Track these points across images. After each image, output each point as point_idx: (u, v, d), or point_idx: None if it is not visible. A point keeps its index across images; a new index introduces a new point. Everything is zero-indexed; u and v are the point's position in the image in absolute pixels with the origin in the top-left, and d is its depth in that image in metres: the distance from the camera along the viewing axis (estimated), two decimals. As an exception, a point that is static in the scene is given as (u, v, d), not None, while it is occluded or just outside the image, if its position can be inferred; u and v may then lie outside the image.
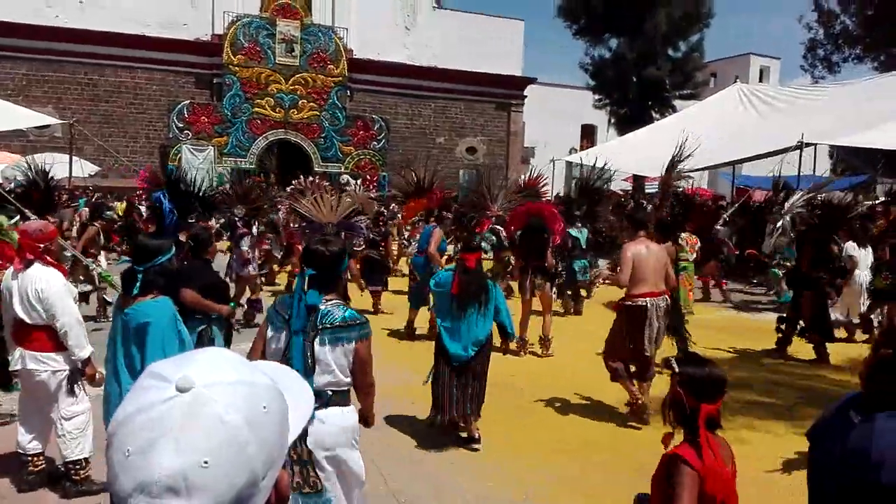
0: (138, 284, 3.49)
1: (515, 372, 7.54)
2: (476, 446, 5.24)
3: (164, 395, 0.82)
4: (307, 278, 2.95)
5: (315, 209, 8.66)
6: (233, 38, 25.71)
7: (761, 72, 43.11)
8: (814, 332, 8.47)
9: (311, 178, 15.71)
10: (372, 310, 10.47)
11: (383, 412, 6.04)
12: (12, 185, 12.95)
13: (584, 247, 10.92)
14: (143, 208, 16.69)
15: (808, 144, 13.24)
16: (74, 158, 16.78)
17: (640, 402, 5.92)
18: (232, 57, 25.74)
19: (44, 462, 4.47)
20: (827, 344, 8.44)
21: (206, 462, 0.78)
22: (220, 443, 0.80)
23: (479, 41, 29.62)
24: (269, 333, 3.05)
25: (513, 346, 7.77)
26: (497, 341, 8.32)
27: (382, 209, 14.60)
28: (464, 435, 5.35)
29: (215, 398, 0.82)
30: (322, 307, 2.94)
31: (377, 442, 5.39)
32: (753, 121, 16.50)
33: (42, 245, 4.38)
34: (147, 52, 25.09)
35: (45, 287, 4.20)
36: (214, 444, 0.79)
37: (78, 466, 4.31)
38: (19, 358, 4.36)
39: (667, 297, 5.97)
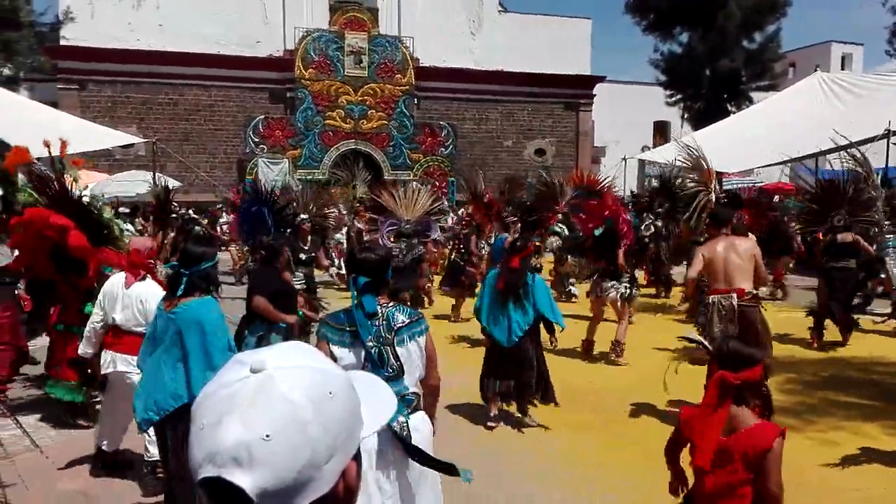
0: (182, 286, 3.68)
1: (593, 378, 7.45)
2: (523, 428, 5.79)
3: (239, 376, 0.89)
4: (361, 286, 2.95)
5: (397, 205, 8.82)
6: (304, 52, 26.37)
7: (843, 59, 41.23)
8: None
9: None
10: (450, 314, 10.53)
11: (456, 416, 6.07)
12: (100, 203, 13.61)
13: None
14: (223, 219, 17.32)
15: (895, 132, 12.60)
16: (158, 175, 17.52)
17: None
18: (303, 71, 26.40)
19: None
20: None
21: (268, 436, 0.83)
22: (283, 419, 0.85)
23: (545, 42, 29.44)
24: (336, 351, 2.92)
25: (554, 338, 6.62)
26: (565, 344, 8.23)
27: (466, 210, 14.55)
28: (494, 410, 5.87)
29: (283, 379, 0.88)
30: (387, 310, 2.97)
31: (451, 446, 5.41)
32: (836, 110, 15.76)
33: (151, 261, 4.89)
34: (223, 70, 25.99)
35: (150, 299, 4.55)
36: (277, 421, 0.84)
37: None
38: (110, 361, 4.71)
39: (735, 295, 5.63)
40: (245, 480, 0.82)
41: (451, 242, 11.31)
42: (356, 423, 0.95)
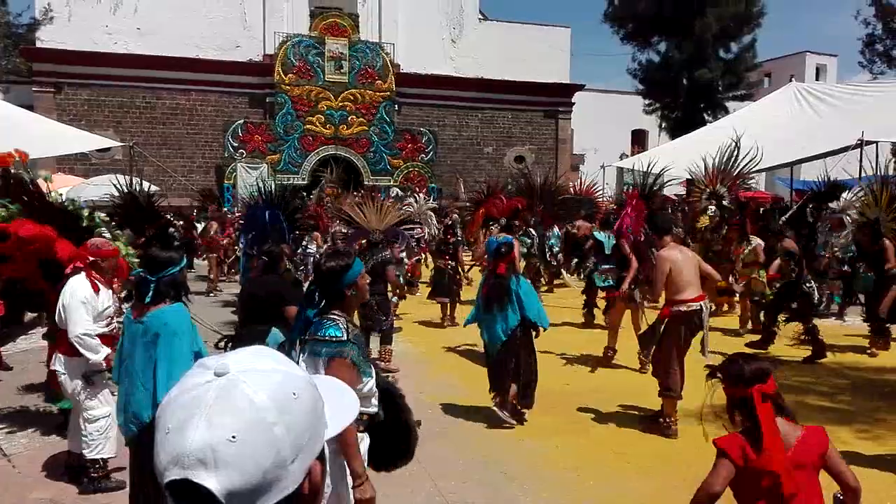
0: (150, 293, 3.60)
1: (571, 381, 7.47)
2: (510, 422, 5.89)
3: (203, 379, 0.90)
4: (310, 292, 2.94)
5: (361, 216, 8.79)
6: (283, 57, 26.28)
7: (818, 70, 41.89)
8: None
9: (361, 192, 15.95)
10: (439, 321, 10.52)
11: (436, 422, 6.06)
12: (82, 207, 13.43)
13: (607, 253, 9.49)
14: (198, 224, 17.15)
15: (868, 142, 12.82)
16: (129, 179, 17.35)
17: (674, 423, 5.82)
18: (283, 76, 26.30)
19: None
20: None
21: (233, 437, 0.84)
22: (248, 421, 0.86)
23: (525, 50, 29.61)
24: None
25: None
26: (559, 349, 8.25)
27: (454, 219, 14.55)
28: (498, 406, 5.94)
29: (247, 381, 0.89)
30: (321, 321, 2.89)
31: (432, 450, 5.41)
32: (810, 120, 16.03)
33: (92, 258, 4.73)
34: (202, 74, 25.83)
35: (69, 296, 4.55)
36: (242, 422, 0.85)
37: (97, 465, 4.56)
38: (54, 359, 4.77)
39: (707, 300, 5.92)
40: (211, 482, 0.82)
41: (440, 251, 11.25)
42: (320, 424, 0.97)
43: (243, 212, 11.35)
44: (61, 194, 6.12)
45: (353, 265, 2.99)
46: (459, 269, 11.18)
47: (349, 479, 2.74)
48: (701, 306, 5.75)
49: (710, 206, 10.04)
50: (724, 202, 10.09)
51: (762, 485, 2.42)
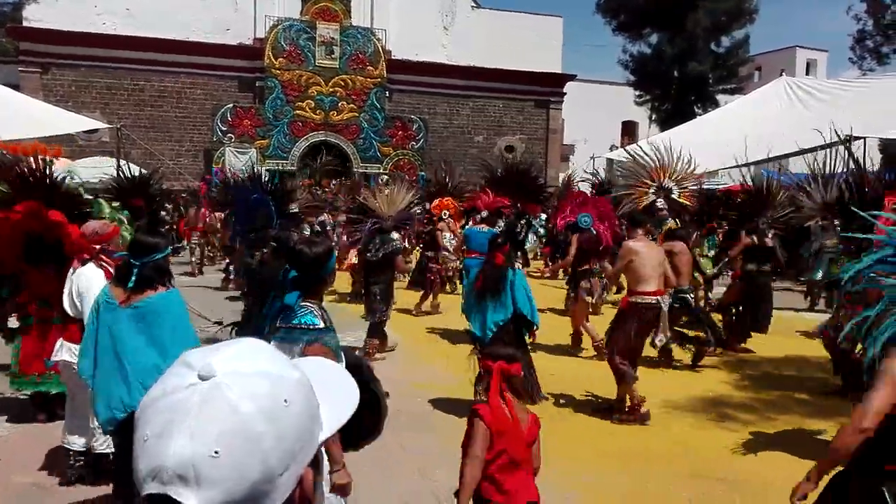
0: (133, 279, 3.49)
1: (555, 371, 7.50)
2: None
3: (186, 382, 0.81)
4: (289, 279, 2.88)
5: (380, 204, 8.81)
6: (274, 41, 26.06)
7: (808, 65, 42.04)
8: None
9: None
10: (424, 310, 10.57)
11: (423, 412, 6.08)
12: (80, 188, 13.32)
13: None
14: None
15: (856, 138, 12.86)
16: (122, 162, 17.21)
17: (642, 405, 5.93)
18: (273, 60, 26.09)
19: (83, 459, 4.53)
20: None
21: (216, 452, 0.77)
22: (233, 433, 0.78)
23: (517, 39, 29.50)
24: None
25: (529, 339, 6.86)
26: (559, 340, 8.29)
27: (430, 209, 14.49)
28: None
29: (233, 388, 0.80)
30: (300, 310, 2.85)
31: (418, 440, 5.43)
32: (799, 115, 16.08)
33: (98, 245, 4.62)
34: (191, 56, 25.55)
35: (86, 287, 4.40)
36: (226, 435, 0.78)
37: (105, 459, 4.44)
38: (60, 348, 4.60)
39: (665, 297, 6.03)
40: (192, 500, 0.76)
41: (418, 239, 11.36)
42: (314, 428, 0.89)
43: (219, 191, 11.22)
44: (69, 175, 6.00)
45: (333, 251, 3.03)
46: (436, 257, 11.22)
47: (326, 465, 2.72)
48: (658, 301, 5.87)
49: (658, 200, 9.91)
50: (673, 196, 10.03)
51: (501, 447, 2.83)
